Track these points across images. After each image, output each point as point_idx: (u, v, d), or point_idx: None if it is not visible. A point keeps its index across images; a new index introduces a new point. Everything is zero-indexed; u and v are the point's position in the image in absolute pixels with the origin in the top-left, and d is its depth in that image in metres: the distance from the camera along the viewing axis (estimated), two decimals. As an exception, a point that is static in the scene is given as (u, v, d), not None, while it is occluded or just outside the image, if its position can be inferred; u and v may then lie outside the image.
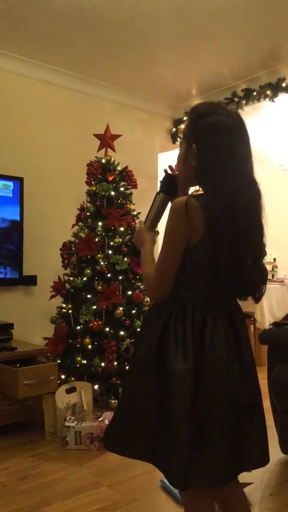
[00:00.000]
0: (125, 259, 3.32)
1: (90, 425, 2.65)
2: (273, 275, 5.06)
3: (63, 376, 3.13)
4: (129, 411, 1.33)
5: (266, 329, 2.69)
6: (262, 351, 3.86)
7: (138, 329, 3.17)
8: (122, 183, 3.53)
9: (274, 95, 3.94)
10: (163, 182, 1.47)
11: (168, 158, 4.22)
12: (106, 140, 3.56)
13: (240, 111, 3.54)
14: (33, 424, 2.90)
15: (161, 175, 1.54)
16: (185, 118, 4.68)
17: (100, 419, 2.75)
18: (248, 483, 2.14)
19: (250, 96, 4.07)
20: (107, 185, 3.42)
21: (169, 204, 1.36)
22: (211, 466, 1.22)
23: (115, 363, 3.11)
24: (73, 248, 3.41)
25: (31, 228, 3.73)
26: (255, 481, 2.21)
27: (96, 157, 3.56)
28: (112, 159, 3.54)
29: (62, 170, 4.07)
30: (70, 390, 2.89)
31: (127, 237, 3.40)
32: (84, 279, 3.29)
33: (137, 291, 3.35)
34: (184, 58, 3.86)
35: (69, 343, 3.21)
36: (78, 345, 3.18)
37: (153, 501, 2.13)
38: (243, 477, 1.37)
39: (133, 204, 3.54)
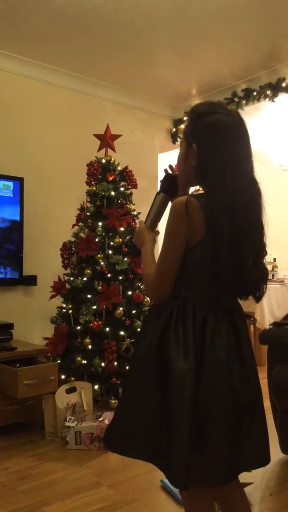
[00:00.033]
0: (125, 259, 3.32)
1: (90, 425, 2.65)
2: (273, 275, 5.06)
3: (63, 376, 3.13)
4: (129, 411, 1.33)
5: (266, 329, 2.69)
6: (262, 351, 3.86)
7: (138, 329, 3.17)
8: (122, 183, 3.53)
9: (274, 95, 3.95)
10: (163, 182, 1.47)
11: (168, 158, 4.21)
12: (106, 140, 3.56)
13: (240, 111, 3.52)
14: (33, 424, 2.90)
15: (161, 175, 1.54)
16: (185, 118, 4.68)
17: (100, 419, 2.75)
18: (248, 483, 2.14)
19: (250, 96, 4.07)
20: (107, 185, 3.42)
21: (170, 204, 1.36)
22: (211, 466, 1.22)
23: (115, 363, 3.11)
24: (73, 248, 3.41)
25: (31, 228, 3.73)
26: (255, 481, 2.21)
27: (96, 157, 3.56)
28: (112, 159, 3.54)
29: (62, 170, 4.07)
30: (70, 390, 2.89)
31: (127, 237, 3.40)
32: (84, 279, 3.29)
33: (137, 291, 3.35)
34: (184, 58, 3.86)
35: (69, 343, 3.21)
36: (78, 345, 3.18)
37: (153, 501, 2.13)
38: (243, 477, 1.37)
39: (133, 204, 3.54)
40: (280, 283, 4.86)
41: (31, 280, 3.73)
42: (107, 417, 2.74)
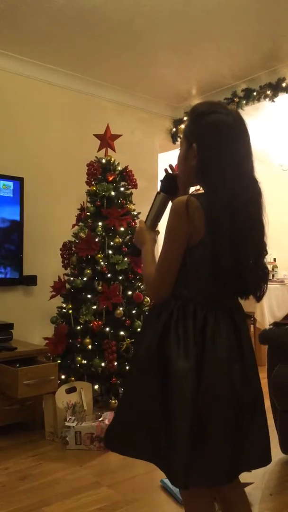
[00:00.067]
0: (125, 259, 3.32)
1: (90, 425, 2.65)
2: (273, 275, 5.06)
3: (63, 376, 3.13)
4: (130, 411, 1.33)
5: (266, 329, 2.69)
6: (262, 351, 3.86)
7: (138, 329, 3.17)
8: (122, 183, 3.53)
9: (274, 95, 3.94)
10: (163, 181, 1.47)
11: (168, 158, 4.21)
12: (106, 140, 3.56)
13: (240, 111, 3.50)
14: (33, 424, 2.90)
15: (161, 175, 1.54)
16: (185, 118, 4.68)
17: (100, 419, 2.75)
18: (248, 483, 2.13)
19: (250, 96, 4.07)
20: (107, 185, 3.42)
21: (170, 204, 1.36)
22: (211, 466, 1.22)
23: (115, 363, 3.11)
24: (73, 248, 3.41)
25: (31, 228, 3.73)
26: (255, 481, 2.21)
27: (96, 157, 3.56)
28: (112, 159, 3.54)
29: (62, 170, 4.07)
30: (70, 390, 2.89)
31: (127, 237, 3.40)
32: (84, 279, 3.29)
33: (137, 291, 3.35)
34: (184, 58, 3.86)
35: (69, 343, 3.21)
36: (78, 345, 3.18)
37: (153, 501, 2.13)
38: (243, 477, 1.37)
39: (133, 204, 3.54)
40: (280, 283, 4.86)
41: (31, 280, 3.73)
42: (107, 417, 2.74)
